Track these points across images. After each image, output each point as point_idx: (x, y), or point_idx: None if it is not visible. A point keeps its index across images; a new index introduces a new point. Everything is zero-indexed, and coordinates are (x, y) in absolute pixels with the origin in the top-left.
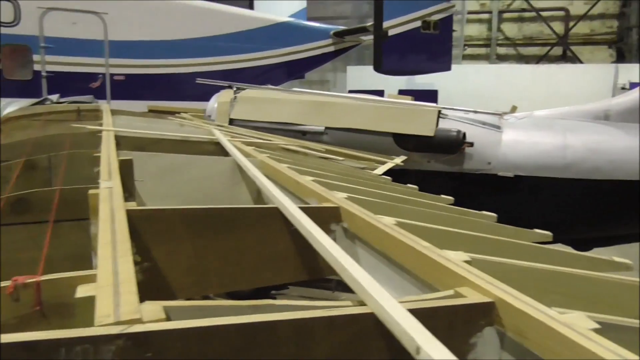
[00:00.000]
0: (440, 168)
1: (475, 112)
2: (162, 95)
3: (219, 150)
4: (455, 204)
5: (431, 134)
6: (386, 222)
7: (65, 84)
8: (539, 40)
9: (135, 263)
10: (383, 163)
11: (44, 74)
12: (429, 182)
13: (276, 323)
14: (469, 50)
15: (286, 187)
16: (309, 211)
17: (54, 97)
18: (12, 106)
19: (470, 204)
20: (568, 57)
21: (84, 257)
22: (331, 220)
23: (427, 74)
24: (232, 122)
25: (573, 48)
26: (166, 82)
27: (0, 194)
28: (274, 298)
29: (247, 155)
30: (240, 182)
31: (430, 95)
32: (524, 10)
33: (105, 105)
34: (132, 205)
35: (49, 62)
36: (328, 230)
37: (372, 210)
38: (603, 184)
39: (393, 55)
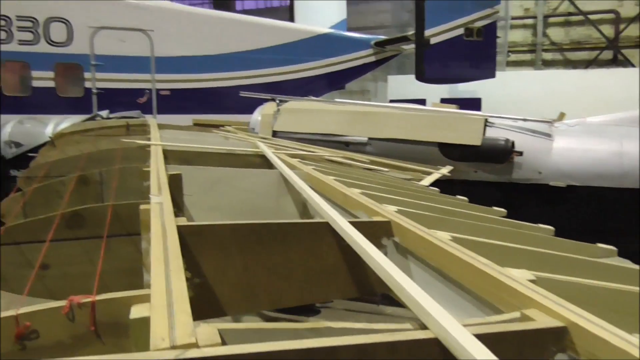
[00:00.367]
0: (487, 178)
1: (525, 119)
2: (206, 108)
3: (263, 162)
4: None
5: (478, 143)
6: (441, 237)
7: (113, 100)
8: (588, 45)
9: (186, 279)
10: (429, 173)
11: (94, 90)
12: (476, 193)
13: (337, 348)
14: (513, 57)
15: (333, 200)
16: (359, 226)
17: (104, 113)
18: (65, 122)
19: (519, 215)
20: (619, 61)
21: (135, 272)
22: (382, 234)
23: (471, 81)
24: (275, 134)
25: (624, 51)
26: (210, 96)
27: (56, 209)
28: (319, 311)
29: (292, 167)
30: (285, 194)
31: (473, 104)
32: (570, 14)
33: (152, 120)
34: (183, 221)
35: (98, 79)
36: (379, 245)
37: (423, 224)
38: None
39: (435, 64)
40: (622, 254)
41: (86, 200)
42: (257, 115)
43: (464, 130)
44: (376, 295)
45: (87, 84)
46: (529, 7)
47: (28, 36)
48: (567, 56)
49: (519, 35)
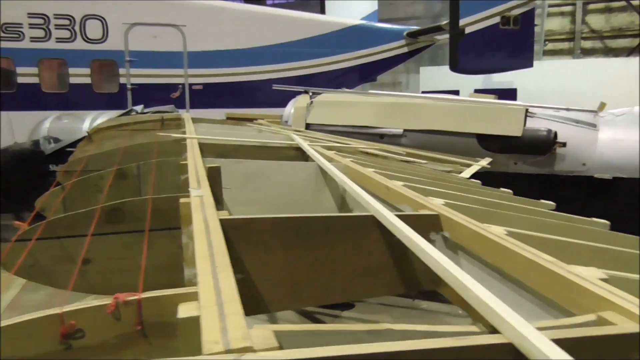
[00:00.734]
0: (528, 170)
1: (568, 109)
2: (238, 102)
3: (299, 155)
4: None
5: (519, 134)
6: (496, 232)
7: (147, 95)
8: (630, 32)
9: None
10: (468, 165)
11: (129, 86)
12: (516, 186)
13: (401, 353)
14: (550, 46)
15: (375, 193)
16: (406, 219)
17: (139, 107)
18: (101, 118)
19: (562, 209)
20: None
21: (174, 267)
22: (430, 228)
23: (507, 71)
24: (308, 126)
25: None
26: (242, 90)
27: (95, 203)
28: (353, 305)
29: (329, 160)
30: (323, 187)
31: (508, 94)
32: (611, 0)
33: (185, 114)
34: (224, 215)
35: (133, 75)
36: (428, 240)
37: (473, 218)
38: None
39: (470, 54)
40: None
41: (124, 194)
42: (290, 108)
43: (503, 120)
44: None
45: (122, 80)
46: None
47: (65, 34)
48: (608, 44)
49: (556, 24)
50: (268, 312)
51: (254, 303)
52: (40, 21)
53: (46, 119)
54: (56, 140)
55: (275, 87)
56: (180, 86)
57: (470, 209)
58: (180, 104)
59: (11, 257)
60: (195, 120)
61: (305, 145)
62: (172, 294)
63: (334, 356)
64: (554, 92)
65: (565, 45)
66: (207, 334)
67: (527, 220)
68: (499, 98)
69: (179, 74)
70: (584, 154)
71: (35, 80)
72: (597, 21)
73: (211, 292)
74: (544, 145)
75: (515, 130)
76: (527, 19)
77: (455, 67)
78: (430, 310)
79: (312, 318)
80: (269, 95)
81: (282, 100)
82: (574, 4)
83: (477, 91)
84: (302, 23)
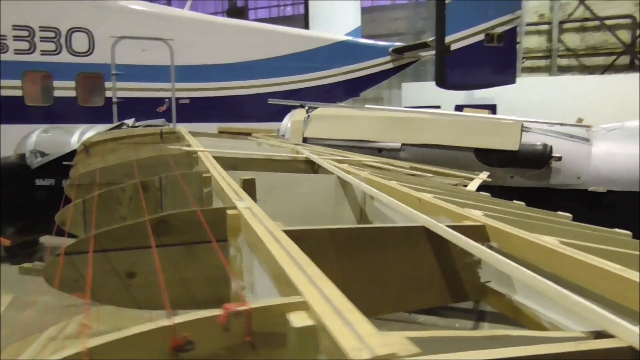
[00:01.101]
0: (524, 184)
1: (562, 124)
2: (225, 117)
3: (308, 168)
4: None
5: (515, 148)
6: (550, 241)
7: (133, 109)
8: (604, 50)
9: None
10: (470, 179)
11: (115, 100)
12: (513, 199)
13: (531, 358)
14: (528, 63)
15: (405, 204)
16: (456, 230)
17: (130, 121)
18: (91, 131)
19: None
20: (636, 67)
21: (219, 280)
22: (477, 239)
23: (492, 87)
24: (305, 140)
25: None
26: (229, 104)
27: (117, 216)
28: None
29: (347, 172)
30: (342, 199)
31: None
32: (586, 19)
33: (181, 128)
34: (281, 226)
35: (119, 88)
36: None
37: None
38: None
39: (456, 70)
40: None
41: (147, 207)
42: (287, 122)
43: (500, 135)
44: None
45: (108, 94)
46: (543, 13)
47: (51, 46)
48: (583, 62)
49: (534, 42)
50: None
51: None
52: (25, 33)
53: (32, 132)
54: (43, 154)
55: (271, 101)
56: (167, 100)
57: (510, 220)
58: (166, 118)
59: (54, 270)
60: (193, 134)
61: (317, 158)
62: (279, 304)
63: None
64: (533, 108)
65: (542, 62)
66: (344, 341)
67: (564, 230)
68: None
69: (166, 88)
70: (579, 168)
71: (18, 93)
72: (572, 40)
73: (320, 301)
74: (541, 159)
75: (512, 145)
76: (510, 37)
77: (441, 83)
78: (429, 324)
79: None
80: (256, 109)
81: (269, 114)
82: (549, 23)
83: (457, 107)
84: (290, 38)
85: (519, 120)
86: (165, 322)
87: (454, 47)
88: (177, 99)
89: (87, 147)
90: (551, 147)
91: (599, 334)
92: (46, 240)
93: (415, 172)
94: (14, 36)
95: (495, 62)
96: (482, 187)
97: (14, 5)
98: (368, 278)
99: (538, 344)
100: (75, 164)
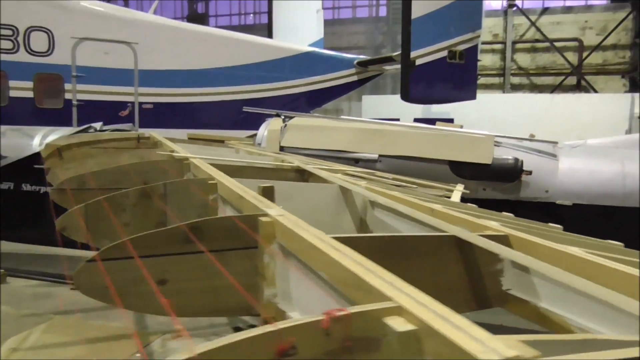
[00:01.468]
0: (496, 196)
1: (531, 140)
2: (188, 123)
3: (298, 176)
4: None
5: (489, 161)
6: (575, 251)
7: (94, 112)
8: (553, 70)
9: None
10: (450, 191)
11: (75, 102)
12: None
13: None
14: (482, 80)
15: (417, 214)
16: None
17: (97, 125)
18: (54, 134)
19: None
20: (582, 87)
21: (251, 287)
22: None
23: (453, 102)
24: (282, 149)
25: (587, 78)
26: (193, 111)
27: (120, 223)
28: None
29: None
30: (344, 209)
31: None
32: (537, 40)
33: (155, 134)
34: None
35: (79, 90)
36: (498, 261)
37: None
38: None
39: (420, 85)
40: None
41: (151, 214)
42: (263, 131)
43: (474, 148)
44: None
45: (67, 96)
46: (497, 33)
47: (7, 44)
48: (534, 81)
49: (488, 60)
50: None
51: None
52: None
53: None
54: (1, 156)
55: (246, 109)
56: (129, 104)
57: (526, 230)
58: (128, 122)
59: (84, 278)
60: (172, 140)
61: (311, 167)
62: (376, 309)
63: None
64: (487, 123)
65: (495, 80)
66: (467, 345)
67: (572, 240)
68: None
69: (129, 92)
70: (547, 182)
71: None
72: (524, 59)
73: (416, 306)
74: (512, 173)
75: (486, 158)
76: (471, 54)
77: (406, 97)
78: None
79: None
80: (221, 117)
81: (235, 122)
82: (503, 43)
83: (416, 120)
84: (257, 47)
85: (490, 134)
86: (271, 328)
87: (418, 62)
88: (140, 103)
89: (60, 150)
90: (522, 162)
91: None
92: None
93: (400, 183)
94: None
95: (457, 78)
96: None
97: None
98: None
99: (624, 347)
100: (48, 168)
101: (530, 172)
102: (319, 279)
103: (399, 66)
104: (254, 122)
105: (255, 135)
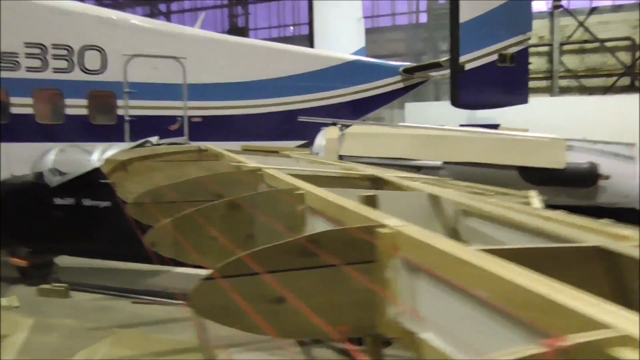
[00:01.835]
0: (570, 202)
1: (606, 142)
2: (237, 135)
3: (373, 185)
4: None
5: (562, 166)
6: None
7: (145, 127)
8: (603, 71)
9: None
10: (526, 197)
11: (127, 118)
12: None
13: None
14: (529, 84)
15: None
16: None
17: (154, 139)
18: (111, 150)
19: None
20: (637, 88)
21: (370, 304)
22: None
23: (505, 107)
24: (341, 158)
25: None
26: (241, 123)
27: (208, 236)
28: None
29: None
30: (433, 217)
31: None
32: (585, 41)
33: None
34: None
35: (131, 106)
36: None
37: None
38: None
39: (470, 89)
40: None
41: (239, 226)
42: (321, 140)
43: (546, 153)
44: None
45: (120, 112)
46: (543, 35)
47: (62, 64)
48: (583, 83)
49: (534, 63)
50: None
51: None
52: (37, 51)
53: (49, 150)
54: (61, 173)
55: (301, 118)
56: (179, 118)
57: None
58: (178, 136)
59: (201, 298)
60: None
61: (390, 175)
62: (600, 338)
63: None
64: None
65: (542, 83)
66: None
67: None
68: None
69: (179, 106)
70: (626, 186)
71: (30, 111)
72: (572, 61)
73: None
74: (588, 177)
75: (558, 163)
76: (522, 57)
77: (456, 102)
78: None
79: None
80: (267, 128)
81: (281, 133)
82: (550, 45)
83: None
84: (302, 57)
85: (561, 138)
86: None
87: (468, 66)
88: (190, 117)
89: (125, 164)
90: (598, 166)
91: None
92: (61, 261)
93: (474, 190)
94: (26, 53)
95: (508, 82)
96: None
97: (26, 23)
98: None
99: None
100: (114, 182)
101: (608, 177)
102: (463, 296)
103: (445, 72)
104: (300, 132)
105: (304, 145)
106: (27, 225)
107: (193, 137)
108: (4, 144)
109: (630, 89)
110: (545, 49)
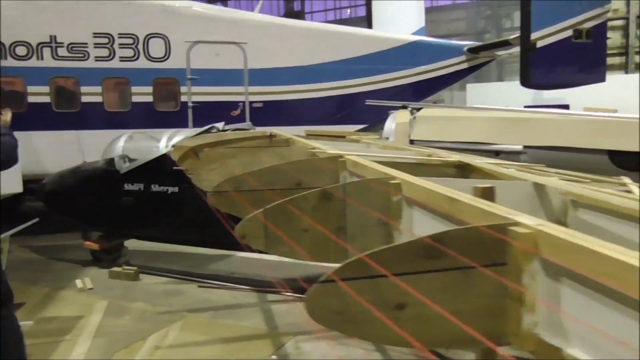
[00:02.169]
0: None
1: None
2: (298, 120)
3: (459, 172)
4: None
5: None
6: None
7: (207, 113)
8: None
9: None
10: (623, 185)
11: (190, 104)
12: None
13: None
14: None
15: None
16: None
17: (220, 125)
18: (178, 136)
19: None
20: None
21: (501, 312)
22: None
23: (580, 86)
24: (412, 142)
25: None
26: (302, 107)
27: (299, 228)
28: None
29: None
30: (538, 208)
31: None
32: None
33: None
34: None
35: (193, 92)
36: None
37: None
38: None
39: (542, 68)
40: None
41: (330, 217)
42: (391, 124)
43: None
44: None
45: (183, 98)
46: (617, 8)
47: (129, 53)
48: None
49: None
50: None
51: None
52: (105, 41)
53: (119, 137)
54: (131, 159)
55: (369, 102)
56: (240, 104)
57: None
58: (239, 121)
59: (318, 302)
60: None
61: (480, 162)
62: None
63: None
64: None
65: (616, 60)
66: None
67: None
68: None
69: (240, 92)
70: None
71: (99, 99)
72: None
73: None
74: None
75: None
76: (599, 33)
77: (527, 82)
78: None
79: None
80: (328, 112)
81: (343, 117)
82: (625, 18)
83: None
84: (362, 39)
85: None
86: None
87: (540, 44)
88: (251, 102)
89: (196, 151)
90: None
91: None
92: (131, 244)
93: (572, 177)
94: (94, 44)
95: (584, 59)
96: None
97: (94, 14)
98: None
99: None
100: (187, 170)
101: None
102: (622, 308)
103: (513, 51)
104: (360, 116)
105: (364, 129)
106: (99, 210)
107: (254, 123)
108: (76, 132)
109: None
110: (620, 22)
